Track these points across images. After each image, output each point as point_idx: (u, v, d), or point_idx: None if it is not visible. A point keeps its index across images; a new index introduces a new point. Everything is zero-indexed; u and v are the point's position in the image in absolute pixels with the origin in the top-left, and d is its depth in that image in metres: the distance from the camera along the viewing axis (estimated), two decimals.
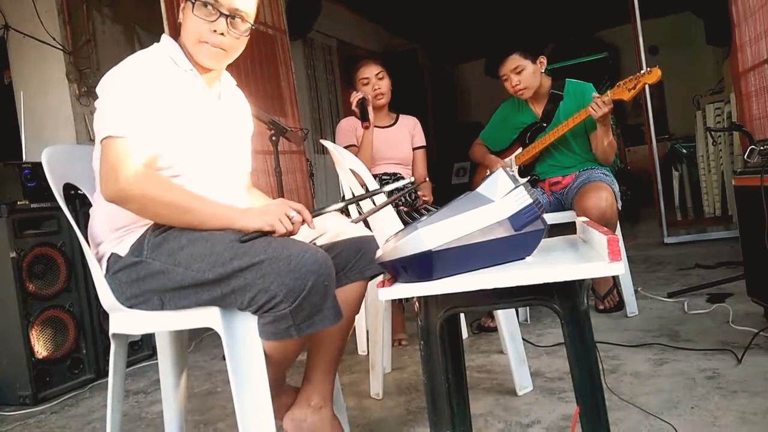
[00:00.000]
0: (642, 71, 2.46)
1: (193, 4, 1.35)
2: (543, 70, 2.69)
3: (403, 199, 2.58)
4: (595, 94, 2.51)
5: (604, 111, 2.43)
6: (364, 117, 2.56)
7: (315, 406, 1.45)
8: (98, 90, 1.35)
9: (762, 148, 2.03)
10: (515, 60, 2.62)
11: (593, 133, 2.62)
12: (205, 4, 1.35)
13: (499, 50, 2.68)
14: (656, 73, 2.40)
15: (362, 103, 2.58)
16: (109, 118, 1.29)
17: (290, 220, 1.28)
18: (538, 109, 2.76)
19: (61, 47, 3.57)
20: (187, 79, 1.41)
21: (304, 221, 1.31)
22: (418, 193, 2.69)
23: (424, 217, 1.00)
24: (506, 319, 1.92)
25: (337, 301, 1.28)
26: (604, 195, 2.43)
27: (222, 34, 1.37)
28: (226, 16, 1.36)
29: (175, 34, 1.47)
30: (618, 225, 2.54)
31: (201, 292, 1.28)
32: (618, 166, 6.06)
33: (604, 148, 2.60)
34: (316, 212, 1.36)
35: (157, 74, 1.35)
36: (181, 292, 1.30)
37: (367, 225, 2.12)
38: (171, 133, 1.34)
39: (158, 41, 1.46)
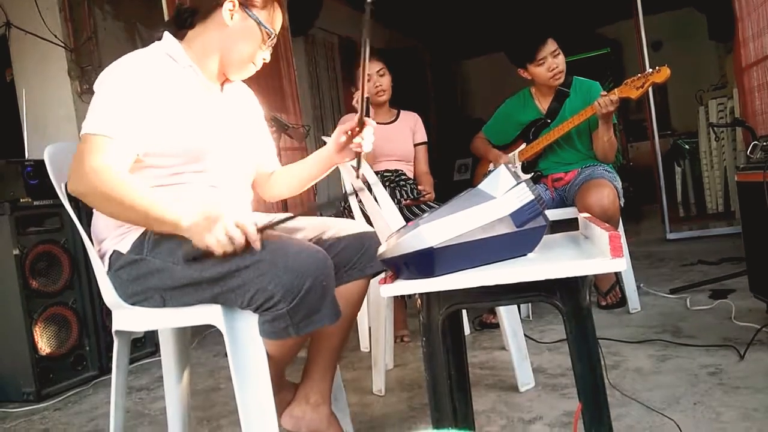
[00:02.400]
0: (650, 70, 2.43)
1: (269, 35, 1.44)
2: None
3: (405, 194, 2.58)
4: (603, 92, 2.49)
5: (609, 109, 2.43)
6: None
7: (314, 403, 1.45)
8: (94, 87, 1.35)
9: (765, 143, 2.02)
10: (554, 43, 2.63)
11: (595, 131, 2.61)
12: (271, 38, 1.45)
13: (533, 35, 2.66)
14: (665, 72, 2.38)
15: (366, 103, 2.58)
16: (90, 116, 1.29)
17: (232, 240, 1.19)
18: (544, 105, 2.75)
19: (62, 44, 3.57)
20: (186, 75, 1.41)
21: (248, 241, 1.21)
22: (419, 187, 2.69)
23: (426, 214, 1.00)
24: (508, 315, 1.92)
25: (336, 300, 1.28)
26: (606, 192, 2.43)
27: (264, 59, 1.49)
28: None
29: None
30: (620, 221, 2.54)
31: (200, 290, 1.28)
32: (620, 162, 6.04)
33: (605, 146, 2.59)
34: (265, 226, 1.25)
35: (150, 73, 1.34)
36: (181, 290, 1.30)
37: (368, 222, 2.13)
38: (169, 131, 1.33)
39: (159, 38, 1.45)
